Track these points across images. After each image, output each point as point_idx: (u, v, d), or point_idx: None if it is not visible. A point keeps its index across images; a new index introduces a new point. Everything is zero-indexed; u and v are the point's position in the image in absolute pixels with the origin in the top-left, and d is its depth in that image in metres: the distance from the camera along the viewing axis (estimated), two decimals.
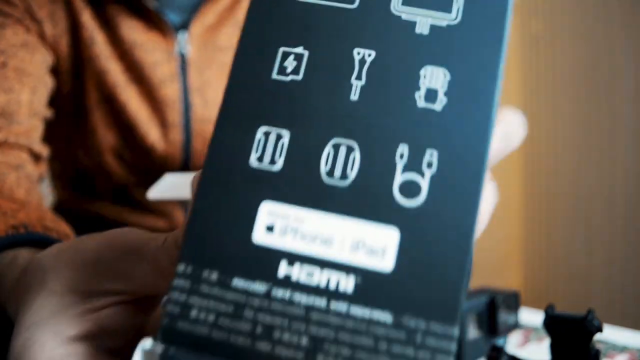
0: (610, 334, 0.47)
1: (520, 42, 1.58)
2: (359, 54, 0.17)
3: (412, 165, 0.16)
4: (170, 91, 0.63)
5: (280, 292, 0.15)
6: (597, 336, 0.32)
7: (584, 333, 0.31)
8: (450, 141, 0.16)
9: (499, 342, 0.43)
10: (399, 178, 0.16)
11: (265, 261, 0.15)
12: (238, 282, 0.15)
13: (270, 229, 0.15)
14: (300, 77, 0.17)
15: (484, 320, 0.41)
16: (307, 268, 0.15)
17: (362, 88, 0.16)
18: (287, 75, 0.17)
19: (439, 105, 0.16)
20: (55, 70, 0.62)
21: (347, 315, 0.15)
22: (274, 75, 0.17)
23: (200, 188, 0.16)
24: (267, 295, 0.15)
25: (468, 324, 0.40)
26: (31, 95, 0.53)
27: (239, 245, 0.15)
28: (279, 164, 0.16)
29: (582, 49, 1.38)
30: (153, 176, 0.57)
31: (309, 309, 0.15)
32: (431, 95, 0.16)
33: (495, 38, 0.16)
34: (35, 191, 0.50)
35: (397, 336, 0.14)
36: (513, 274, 1.58)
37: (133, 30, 0.61)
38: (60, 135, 0.67)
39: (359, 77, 0.16)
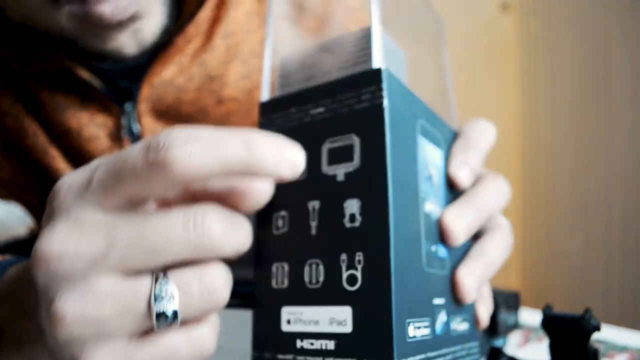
0: (610, 334, 0.47)
1: (518, 41, 1.58)
2: (311, 205, 0.25)
3: (350, 265, 0.24)
4: None
5: (300, 358, 0.24)
6: (597, 336, 0.32)
7: (582, 332, 0.31)
8: (368, 245, 0.23)
9: (499, 342, 0.43)
10: (345, 274, 0.24)
11: (290, 341, 0.25)
12: (280, 356, 0.25)
13: (288, 322, 0.25)
14: (286, 229, 0.26)
15: None
16: (309, 340, 0.24)
17: (316, 226, 0.25)
18: (279, 229, 0.26)
19: (357, 223, 0.24)
20: None
21: None
22: (274, 231, 0.26)
23: (254, 314, 0.26)
24: None
25: None
26: None
27: (277, 333, 0.25)
28: (286, 283, 0.25)
29: (580, 49, 1.38)
30: None
31: None
32: (352, 217, 0.24)
33: (380, 170, 0.24)
34: None
35: None
36: (513, 274, 1.58)
37: (68, 112, 0.48)
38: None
39: (313, 219, 0.25)
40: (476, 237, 0.30)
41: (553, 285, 1.48)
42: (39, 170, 0.52)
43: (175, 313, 0.22)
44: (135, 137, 0.50)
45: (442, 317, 0.26)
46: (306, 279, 0.25)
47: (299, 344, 0.24)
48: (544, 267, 1.51)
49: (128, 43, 0.42)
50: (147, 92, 0.48)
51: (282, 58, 0.30)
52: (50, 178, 0.52)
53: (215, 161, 0.22)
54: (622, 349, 0.44)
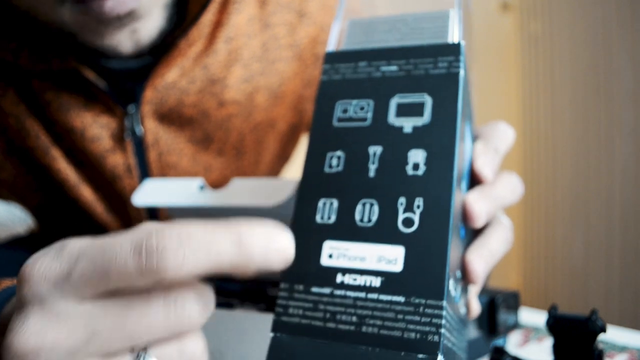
0: (610, 334, 0.47)
1: (519, 42, 1.58)
2: (372, 149, 0.26)
3: (408, 209, 0.24)
4: (129, 185, 0.51)
5: (338, 292, 0.24)
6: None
7: (588, 333, 0.31)
8: (430, 192, 0.24)
9: (499, 342, 0.43)
10: (401, 217, 0.24)
11: (329, 275, 0.24)
12: (314, 289, 0.24)
13: (330, 256, 0.25)
14: (341, 169, 0.26)
15: (484, 320, 0.41)
16: (353, 276, 0.24)
17: (376, 169, 0.26)
18: (332, 168, 0.26)
19: (421, 171, 0.25)
20: None
21: (378, 300, 0.23)
22: (326, 169, 0.27)
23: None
24: (331, 294, 0.24)
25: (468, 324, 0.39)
26: None
27: (314, 267, 0.25)
28: (332, 219, 0.25)
29: (580, 49, 1.38)
30: None
31: (355, 299, 0.23)
32: (416, 166, 0.25)
33: (451, 128, 0.25)
34: None
35: (408, 309, 0.23)
36: (513, 274, 1.58)
37: (72, 111, 0.48)
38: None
39: (373, 162, 0.26)
40: (477, 231, 0.31)
41: (553, 285, 1.48)
42: (39, 171, 0.52)
43: None
44: (137, 139, 0.50)
45: (457, 289, 0.26)
46: (357, 217, 0.25)
47: (339, 278, 0.24)
48: (544, 267, 1.51)
49: (124, 41, 0.42)
50: (150, 94, 0.48)
51: (351, 20, 0.30)
52: (51, 178, 0.52)
53: (207, 263, 0.21)
54: (622, 349, 0.44)
